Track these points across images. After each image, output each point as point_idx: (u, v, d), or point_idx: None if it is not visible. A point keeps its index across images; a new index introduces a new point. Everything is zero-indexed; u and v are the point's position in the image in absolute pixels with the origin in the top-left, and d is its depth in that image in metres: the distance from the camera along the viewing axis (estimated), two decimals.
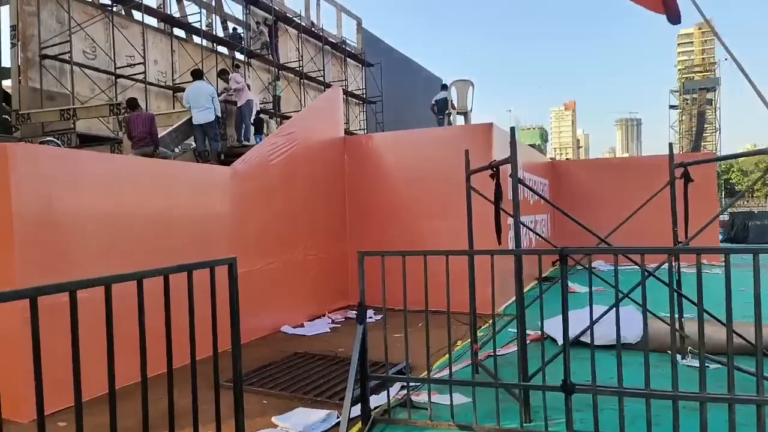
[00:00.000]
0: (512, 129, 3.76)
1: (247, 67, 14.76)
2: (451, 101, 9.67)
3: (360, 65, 21.57)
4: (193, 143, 7.80)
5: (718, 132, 77.30)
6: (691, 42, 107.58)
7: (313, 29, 18.24)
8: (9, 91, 9.28)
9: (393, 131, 7.84)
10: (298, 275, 6.67)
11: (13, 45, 9.03)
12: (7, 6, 9.08)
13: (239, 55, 14.55)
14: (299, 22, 17.16)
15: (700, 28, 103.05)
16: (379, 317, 6.95)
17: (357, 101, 21.09)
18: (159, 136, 6.87)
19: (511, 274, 3.54)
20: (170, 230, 4.74)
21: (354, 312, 7.28)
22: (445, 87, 11.35)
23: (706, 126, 77.61)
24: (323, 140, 7.34)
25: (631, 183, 11.49)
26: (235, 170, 5.64)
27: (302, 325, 6.61)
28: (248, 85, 9.21)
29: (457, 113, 9.61)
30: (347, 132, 12.60)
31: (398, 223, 7.50)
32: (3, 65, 9.17)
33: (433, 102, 11.37)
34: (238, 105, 8.56)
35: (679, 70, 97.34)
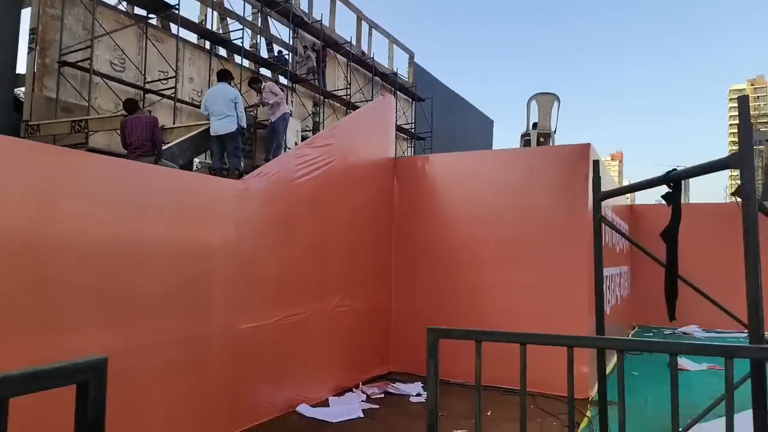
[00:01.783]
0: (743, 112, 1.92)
1: (292, 93, 13.74)
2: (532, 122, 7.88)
3: (410, 99, 20.41)
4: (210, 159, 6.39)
5: None
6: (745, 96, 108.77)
7: (363, 58, 17.29)
8: (22, 99, 8.38)
9: (457, 152, 6.16)
10: (326, 333, 4.95)
11: (30, 50, 8.18)
12: (29, 9, 8.32)
13: (283, 80, 13.56)
14: (349, 49, 16.24)
15: (752, 84, 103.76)
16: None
17: (405, 136, 19.77)
18: (166, 146, 5.50)
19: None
20: (135, 268, 3.15)
21: (398, 385, 5.37)
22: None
23: None
24: (369, 159, 5.74)
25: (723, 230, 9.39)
26: (247, 186, 4.06)
27: (326, 403, 4.83)
28: (281, 87, 7.82)
29: (538, 135, 7.76)
30: None
31: (458, 270, 5.75)
32: (18, 72, 8.31)
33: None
34: (272, 120, 7.17)
35: (731, 125, 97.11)
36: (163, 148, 5.60)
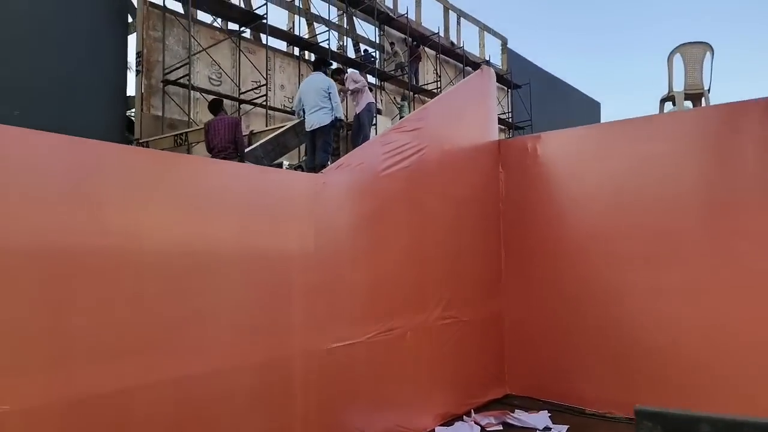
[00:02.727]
0: None
1: (380, 91, 13.37)
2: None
3: (505, 88, 19.06)
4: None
5: None
6: None
7: (453, 49, 16.44)
8: (133, 119, 8.93)
9: (577, 127, 5.10)
10: (428, 350, 4.26)
11: (138, 72, 8.67)
12: (134, 34, 8.84)
13: (371, 78, 13.23)
14: (437, 41, 15.49)
15: None
16: (562, 429, 4.10)
17: (502, 127, 18.47)
18: (250, 148, 5.21)
19: None
20: (200, 281, 2.72)
21: (519, 415, 4.45)
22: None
23: None
24: (468, 144, 4.98)
25: None
26: (326, 182, 3.52)
27: None
28: (369, 87, 7.32)
29: (686, 96, 6.25)
30: None
31: (584, 271, 4.74)
32: (128, 94, 8.87)
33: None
34: (357, 112, 6.68)
35: None
36: (247, 150, 5.34)
